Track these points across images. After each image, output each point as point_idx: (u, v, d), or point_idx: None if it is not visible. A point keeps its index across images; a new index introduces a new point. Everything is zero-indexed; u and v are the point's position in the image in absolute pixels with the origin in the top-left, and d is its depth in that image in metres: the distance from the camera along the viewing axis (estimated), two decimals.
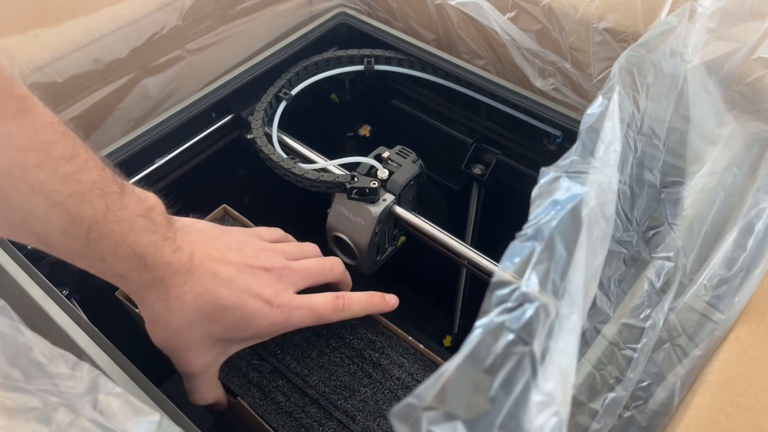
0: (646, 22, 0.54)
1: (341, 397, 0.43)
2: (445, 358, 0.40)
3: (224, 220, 0.54)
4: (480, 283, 0.48)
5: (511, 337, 0.24)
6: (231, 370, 0.45)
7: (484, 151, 0.67)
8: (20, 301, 0.43)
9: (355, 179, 0.55)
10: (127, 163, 0.57)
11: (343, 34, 0.73)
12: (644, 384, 0.40)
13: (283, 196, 0.70)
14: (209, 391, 0.44)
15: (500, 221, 0.72)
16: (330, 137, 0.75)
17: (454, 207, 0.73)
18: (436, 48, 0.67)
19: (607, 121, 0.33)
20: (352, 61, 0.67)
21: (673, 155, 0.46)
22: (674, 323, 0.41)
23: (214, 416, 0.59)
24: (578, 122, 0.34)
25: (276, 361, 0.45)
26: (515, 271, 0.26)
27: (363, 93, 0.72)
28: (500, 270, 0.26)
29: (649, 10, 0.54)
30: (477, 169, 0.67)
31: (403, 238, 0.61)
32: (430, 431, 0.22)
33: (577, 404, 0.38)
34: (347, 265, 0.50)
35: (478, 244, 0.73)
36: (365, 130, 0.75)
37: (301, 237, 0.51)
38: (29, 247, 0.47)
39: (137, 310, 0.42)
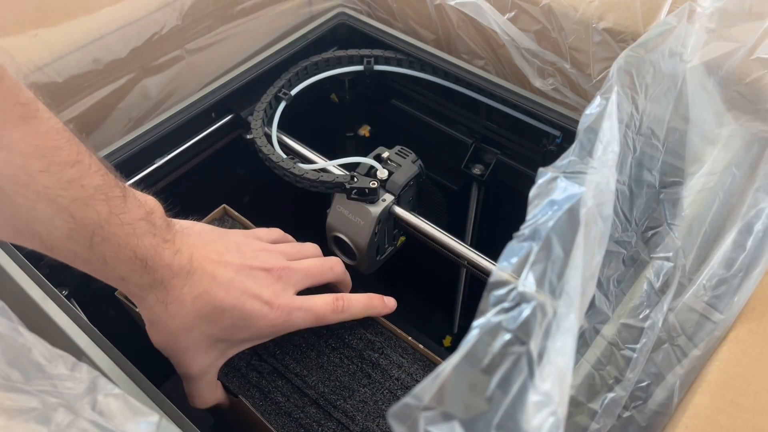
0: (646, 23, 0.54)
1: (340, 398, 0.43)
2: (445, 358, 0.40)
3: (224, 220, 0.54)
4: (480, 283, 0.48)
5: (508, 336, 0.24)
6: (230, 371, 0.45)
7: (484, 151, 0.67)
8: (20, 301, 0.43)
9: (355, 179, 0.55)
10: (127, 164, 0.57)
11: (343, 35, 0.73)
12: (643, 384, 0.40)
13: (283, 196, 0.70)
14: (209, 393, 0.44)
15: (500, 221, 0.72)
16: (330, 137, 0.75)
17: (454, 207, 0.73)
18: (435, 48, 0.67)
19: (605, 122, 0.34)
20: (351, 61, 0.67)
21: (672, 155, 0.46)
22: (673, 323, 0.41)
23: (214, 417, 0.59)
24: (578, 122, 0.34)
25: (275, 362, 0.45)
26: (513, 271, 0.26)
27: (363, 93, 0.72)
28: (498, 270, 0.26)
29: (648, 11, 0.54)
30: (477, 169, 0.67)
31: (402, 239, 0.61)
32: (427, 431, 0.22)
33: (576, 404, 0.38)
34: (347, 266, 0.50)
35: (477, 245, 0.73)
36: (365, 131, 0.75)
37: (300, 237, 0.51)
38: None
39: (137, 310, 0.42)
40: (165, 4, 0.62)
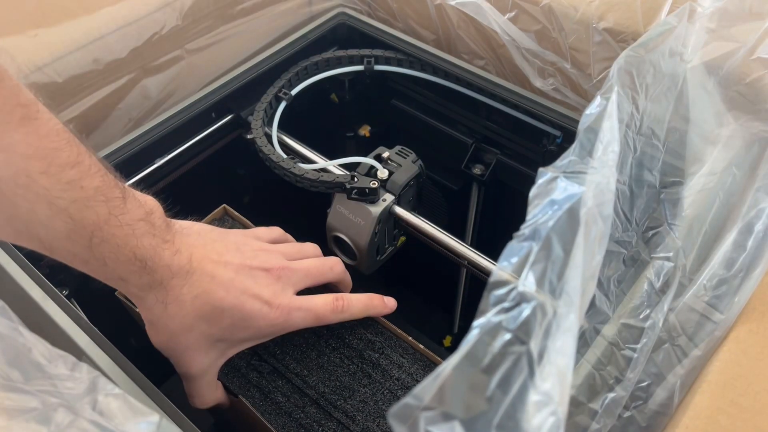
0: (646, 22, 0.54)
1: (341, 398, 0.43)
2: (445, 358, 0.40)
3: (224, 220, 0.54)
4: (480, 283, 0.48)
5: (508, 336, 0.24)
6: (230, 371, 0.45)
7: (484, 151, 0.67)
8: (20, 301, 0.43)
9: (355, 179, 0.55)
10: (127, 164, 0.57)
11: (343, 35, 0.73)
12: (644, 384, 0.40)
13: (283, 196, 0.70)
14: (209, 393, 0.44)
15: (500, 221, 0.72)
16: (330, 137, 0.75)
17: (454, 207, 0.73)
18: (435, 48, 0.67)
19: (606, 122, 0.33)
20: (351, 61, 0.67)
21: (672, 155, 0.46)
22: (674, 323, 0.40)
23: (214, 417, 0.59)
24: (578, 122, 0.34)
25: (275, 362, 0.45)
26: (513, 271, 0.26)
27: (363, 93, 0.72)
28: (498, 270, 0.26)
29: (648, 10, 0.54)
30: (477, 169, 0.67)
31: (402, 239, 0.61)
32: (428, 431, 0.22)
33: (576, 404, 0.38)
34: (347, 265, 0.50)
35: (477, 244, 0.73)
36: (365, 130, 0.75)
37: (301, 237, 0.51)
38: None
39: (137, 310, 0.42)
40: (165, 4, 0.62)
